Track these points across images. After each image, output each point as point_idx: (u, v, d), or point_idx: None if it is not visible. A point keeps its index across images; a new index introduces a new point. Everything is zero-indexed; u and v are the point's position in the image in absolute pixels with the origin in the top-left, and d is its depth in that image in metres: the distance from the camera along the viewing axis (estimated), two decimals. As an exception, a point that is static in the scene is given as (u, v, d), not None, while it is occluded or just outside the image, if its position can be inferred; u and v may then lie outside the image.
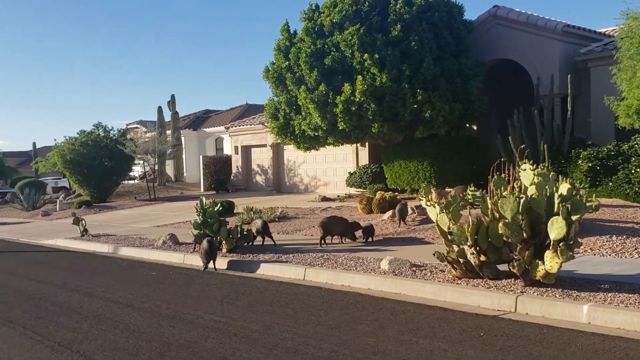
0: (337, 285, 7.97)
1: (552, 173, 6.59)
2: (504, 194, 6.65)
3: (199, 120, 37.71)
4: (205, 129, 35.44)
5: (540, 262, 6.36)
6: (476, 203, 7.33)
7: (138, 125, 38.43)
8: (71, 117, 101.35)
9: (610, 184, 12.67)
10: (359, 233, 11.07)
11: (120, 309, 7.08)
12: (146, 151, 26.20)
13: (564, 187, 6.31)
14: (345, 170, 21.46)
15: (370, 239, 10.94)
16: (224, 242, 10.88)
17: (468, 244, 6.87)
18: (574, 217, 6.19)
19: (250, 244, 11.32)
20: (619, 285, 6.32)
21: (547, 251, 6.27)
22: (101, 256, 12.58)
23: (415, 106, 15.92)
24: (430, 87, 16.05)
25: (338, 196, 20.06)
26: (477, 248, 6.85)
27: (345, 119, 16.34)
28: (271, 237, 11.44)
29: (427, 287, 7.04)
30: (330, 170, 23.11)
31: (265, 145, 26.26)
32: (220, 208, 11.61)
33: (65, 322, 6.54)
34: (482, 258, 6.90)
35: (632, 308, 5.49)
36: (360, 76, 15.99)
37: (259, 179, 27.11)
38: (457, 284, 6.99)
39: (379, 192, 15.68)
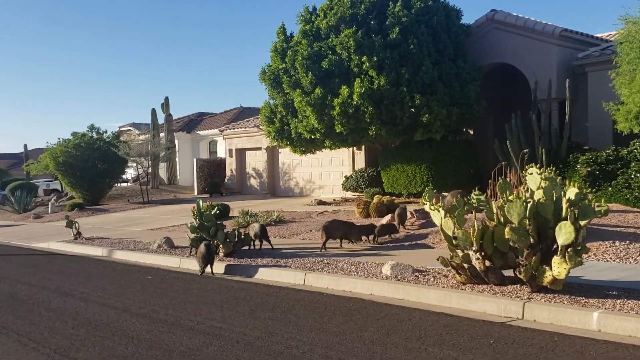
0: (338, 290, 7.83)
1: (559, 178, 6.48)
2: (509, 198, 6.54)
3: (192, 123, 37.49)
4: (199, 132, 35.23)
5: (547, 267, 6.25)
6: (480, 207, 7.21)
7: (131, 128, 38.15)
8: (63, 119, 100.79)
9: (610, 188, 12.61)
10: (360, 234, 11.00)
11: (117, 314, 6.91)
12: (140, 154, 25.96)
13: (571, 192, 6.20)
14: (341, 174, 21.34)
15: (391, 237, 11.10)
16: (221, 246, 10.70)
17: (473, 249, 6.75)
18: (582, 222, 6.08)
19: (248, 248, 11.16)
20: (628, 291, 6.21)
21: (555, 257, 6.16)
22: (95, 260, 12.38)
23: (413, 110, 15.84)
24: (428, 91, 15.98)
25: (334, 200, 19.93)
26: (483, 253, 6.73)
27: (343, 121, 16.23)
28: (269, 241, 11.29)
29: (431, 293, 6.91)
30: (325, 173, 22.98)
31: (260, 148, 26.09)
32: (217, 211, 11.44)
33: (61, 328, 6.36)
34: (487, 263, 6.78)
35: (644, 315, 5.39)
36: (358, 79, 15.89)
37: (254, 182, 26.93)
38: (462, 289, 6.87)
39: (376, 196, 15.57)
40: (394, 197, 16.15)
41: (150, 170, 29.23)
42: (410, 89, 15.82)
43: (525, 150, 12.81)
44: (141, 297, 7.94)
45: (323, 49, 16.85)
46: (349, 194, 20.35)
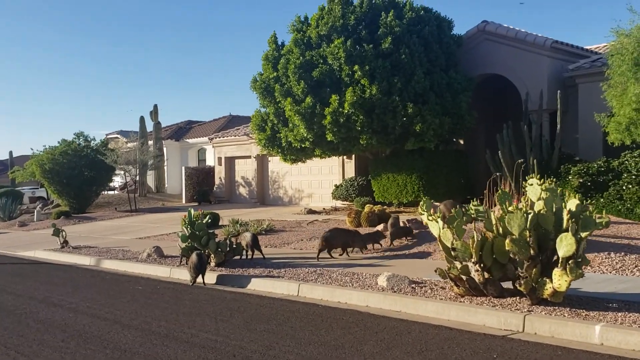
0: (333, 302, 7.70)
1: (559, 189, 6.43)
2: (509, 209, 6.48)
3: (181, 131, 37.24)
4: (187, 140, 35.00)
5: (548, 280, 6.18)
6: (479, 218, 7.13)
7: (118, 136, 37.82)
8: (50, 126, 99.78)
9: (602, 200, 12.62)
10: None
11: (108, 326, 6.73)
12: (128, 161, 25.69)
13: (572, 203, 6.15)
14: (331, 183, 21.24)
15: (407, 240, 11.39)
16: (212, 255, 10.54)
17: (472, 260, 6.67)
18: (583, 234, 6.03)
19: (240, 257, 11.01)
20: (628, 304, 6.16)
21: (556, 269, 6.09)
22: (83, 269, 12.15)
23: (405, 119, 15.82)
24: (420, 101, 15.98)
25: (324, 209, 19.82)
26: (482, 265, 6.64)
27: (334, 130, 16.16)
28: (260, 251, 11.14)
29: (429, 305, 6.81)
30: (315, 182, 22.87)
31: (249, 157, 25.94)
32: (209, 220, 11.28)
33: (50, 340, 6.17)
34: (487, 275, 6.70)
35: (647, 329, 5.33)
36: (349, 88, 15.85)
37: (243, 190, 26.75)
38: (461, 302, 6.77)
39: (367, 205, 15.49)
40: (385, 207, 16.08)
41: (138, 178, 28.95)
42: (402, 99, 15.80)
43: (520, 161, 12.80)
44: (132, 307, 7.76)
45: (314, 58, 16.81)
46: (339, 203, 20.25)
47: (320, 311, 7.14)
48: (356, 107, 15.70)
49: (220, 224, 16.86)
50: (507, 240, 6.28)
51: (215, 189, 27.80)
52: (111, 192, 32.74)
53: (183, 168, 29.86)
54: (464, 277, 6.87)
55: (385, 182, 17.52)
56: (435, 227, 7.04)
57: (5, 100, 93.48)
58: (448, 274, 7.01)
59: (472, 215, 7.19)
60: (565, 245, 5.96)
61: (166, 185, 33.53)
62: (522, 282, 6.30)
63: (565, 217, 6.11)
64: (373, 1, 17.14)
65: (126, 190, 28.24)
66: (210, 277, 9.68)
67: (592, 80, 15.48)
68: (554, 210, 6.30)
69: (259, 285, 9.00)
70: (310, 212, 19.14)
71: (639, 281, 7.34)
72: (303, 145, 17.44)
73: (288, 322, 6.58)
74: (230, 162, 27.34)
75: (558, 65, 16.67)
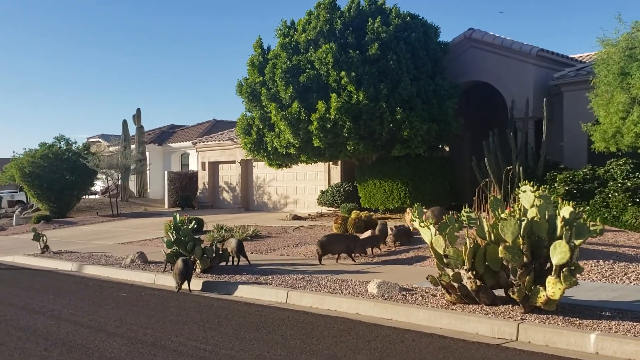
0: (322, 309, 7.59)
1: (554, 196, 6.39)
2: (502, 216, 6.42)
3: (164, 135, 36.90)
4: (170, 144, 34.68)
5: (541, 288, 6.13)
6: (471, 225, 7.07)
7: (100, 139, 37.34)
8: (29, 129, 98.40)
9: (588, 207, 12.68)
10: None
11: (92, 334, 6.53)
12: (110, 165, 25.35)
13: (566, 210, 6.11)
14: (317, 189, 21.14)
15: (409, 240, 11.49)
16: (198, 261, 10.36)
17: (465, 267, 6.60)
18: (577, 242, 6.00)
19: (226, 264, 10.84)
20: (621, 312, 6.13)
21: (550, 276, 6.05)
22: (65, 274, 11.88)
23: (392, 125, 15.80)
24: (407, 107, 15.97)
25: (309, 215, 19.70)
26: (474, 272, 6.58)
27: (321, 136, 16.08)
28: (246, 257, 10.98)
29: (421, 313, 6.72)
30: (300, 188, 22.74)
31: (234, 162, 25.75)
32: (195, 226, 11.11)
33: (32, 349, 5.97)
34: (479, 283, 6.63)
35: (642, 337, 5.29)
36: (335, 94, 15.79)
37: (227, 196, 26.53)
38: (453, 309, 6.70)
39: (354, 211, 15.40)
40: (371, 213, 15.99)
41: (120, 182, 28.58)
42: (389, 105, 15.79)
43: (508, 168, 12.83)
44: (116, 315, 7.56)
45: (302, 62, 16.72)
46: (324, 209, 20.15)
47: (310, 319, 7.02)
48: (343, 112, 15.64)
49: (204, 229, 16.65)
50: (501, 248, 6.23)
51: (198, 194, 27.54)
52: (93, 197, 32.31)
53: (166, 173, 29.55)
54: (455, 285, 6.80)
55: (372, 188, 17.46)
56: (427, 233, 6.97)
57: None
58: (440, 281, 6.94)
59: (464, 222, 7.12)
60: (559, 252, 5.91)
61: (148, 190, 33.17)
62: (515, 289, 6.25)
63: (559, 224, 6.07)
64: (360, 7, 17.14)
65: (108, 195, 27.84)
66: (196, 284, 9.50)
67: (577, 88, 15.61)
68: (546, 217, 6.27)
69: (247, 292, 8.85)
70: (296, 218, 19.01)
71: (630, 289, 7.33)
72: (289, 151, 17.33)
73: (278, 330, 6.44)
74: (214, 167, 27.12)
75: (543, 74, 16.78)
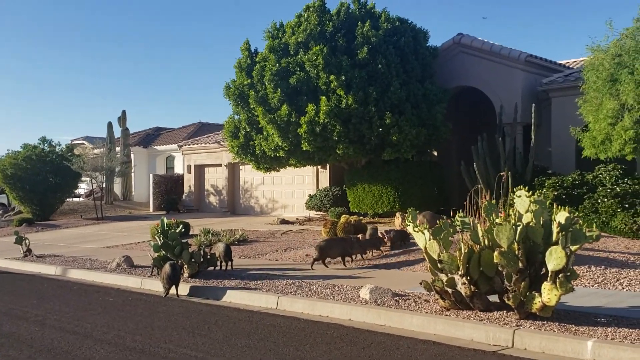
0: (314, 315, 7.47)
1: (548, 201, 6.35)
2: (497, 221, 6.36)
3: (149, 138, 36.54)
4: (156, 147, 34.35)
5: (536, 294, 6.07)
6: (465, 230, 7.00)
7: (84, 142, 36.84)
8: (12, 131, 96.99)
9: (577, 213, 12.71)
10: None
11: (79, 340, 6.35)
12: (95, 168, 25.01)
13: (561, 216, 6.07)
14: (305, 193, 21.02)
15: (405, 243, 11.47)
16: (185, 266, 10.19)
17: (459, 273, 6.53)
18: (573, 247, 5.95)
19: (214, 268, 10.68)
20: (617, 319, 6.09)
21: (545, 282, 5.99)
22: (48, 279, 11.63)
23: (381, 129, 15.76)
24: (396, 111, 15.93)
25: (297, 219, 19.56)
26: (469, 277, 6.51)
27: (310, 139, 15.97)
28: (231, 262, 10.79)
29: (415, 319, 6.63)
30: (288, 192, 22.61)
31: (220, 165, 25.55)
32: (183, 230, 10.93)
33: (16, 356, 5.79)
34: (473, 288, 6.56)
35: (639, 345, 5.24)
36: (324, 97, 15.71)
37: (213, 199, 26.31)
38: (447, 315, 6.62)
39: (343, 215, 15.29)
40: (360, 217, 15.91)
41: (104, 185, 28.22)
42: (378, 109, 15.74)
43: (502, 173, 12.84)
44: (103, 320, 7.38)
45: (291, 65, 16.62)
46: (313, 213, 20.04)
47: (302, 325, 6.89)
48: (332, 116, 15.56)
49: (190, 233, 16.46)
50: (496, 253, 6.17)
51: (184, 197, 27.29)
52: (76, 199, 31.85)
53: (151, 175, 29.25)
54: (449, 290, 6.72)
55: (361, 192, 17.39)
56: (422, 238, 6.88)
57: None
58: (433, 287, 6.85)
59: (458, 227, 7.05)
60: (555, 258, 5.86)
61: (133, 193, 32.81)
62: (510, 295, 6.18)
63: (555, 229, 6.02)
64: (350, 10, 17.09)
65: (92, 198, 27.47)
66: (184, 289, 9.34)
67: (565, 94, 15.68)
68: (541, 222, 6.22)
69: (236, 298, 8.71)
70: (284, 222, 18.86)
71: (623, 295, 7.31)
72: (277, 154, 17.21)
73: (270, 337, 6.31)
74: (200, 170, 26.89)
75: (532, 79, 16.85)
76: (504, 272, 6.40)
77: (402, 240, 11.69)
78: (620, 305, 6.76)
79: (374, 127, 15.75)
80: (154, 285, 9.84)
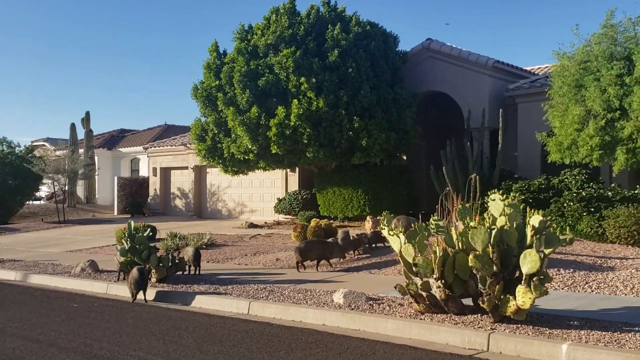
0: (287, 320, 7.35)
1: (522, 204, 6.39)
2: (472, 224, 6.36)
3: (114, 140, 35.82)
4: (120, 149, 33.69)
5: (511, 297, 6.08)
6: (439, 233, 6.99)
7: (45, 143, 35.92)
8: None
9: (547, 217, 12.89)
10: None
11: (42, 349, 6.09)
12: (57, 170, 24.34)
13: (535, 219, 6.10)
14: (273, 196, 20.86)
15: (385, 244, 11.21)
16: (153, 271, 9.94)
17: (434, 276, 6.51)
18: (547, 251, 5.99)
19: (182, 273, 10.46)
20: (589, 322, 6.14)
21: (520, 286, 6.01)
22: (8, 284, 11.20)
23: (351, 133, 15.74)
24: (367, 115, 15.95)
25: (266, 223, 19.39)
26: (444, 281, 6.49)
27: (279, 142, 15.85)
28: (199, 267, 10.60)
29: (389, 323, 6.58)
30: (256, 195, 22.40)
31: (186, 168, 25.17)
32: (151, 233, 10.68)
33: (-24, 366, 5.51)
34: (447, 292, 6.55)
35: (612, 347, 5.30)
36: (295, 100, 15.62)
37: (179, 202, 25.91)
38: (421, 319, 6.59)
39: (313, 219, 15.20)
40: (331, 221, 15.86)
41: (67, 188, 27.51)
42: (349, 112, 15.73)
43: (472, 176, 12.96)
44: (68, 327, 7.12)
45: (260, 67, 16.48)
46: (282, 217, 19.89)
47: (275, 331, 6.76)
48: (302, 119, 15.47)
49: (157, 237, 16.12)
50: (471, 256, 6.16)
51: (149, 200, 26.80)
52: (37, 202, 30.98)
53: (116, 178, 28.64)
54: (424, 294, 6.70)
55: (331, 196, 17.34)
56: (397, 242, 6.85)
57: None
58: (408, 290, 6.82)
59: (433, 231, 7.03)
60: (529, 262, 5.89)
61: (97, 196, 32.10)
62: (485, 299, 6.18)
63: (529, 233, 6.06)
64: (319, 13, 17.06)
65: (54, 201, 26.74)
66: (152, 294, 9.10)
67: (531, 100, 15.96)
68: (515, 226, 6.24)
69: (206, 303, 8.52)
70: (252, 226, 18.66)
71: (593, 298, 7.40)
72: (246, 157, 17.02)
73: (243, 344, 6.17)
74: (165, 172, 26.46)
75: (499, 85, 17.08)
76: (478, 276, 6.40)
77: (377, 243, 11.66)
78: (591, 308, 6.84)
79: (344, 131, 15.73)
80: (121, 291, 9.57)
